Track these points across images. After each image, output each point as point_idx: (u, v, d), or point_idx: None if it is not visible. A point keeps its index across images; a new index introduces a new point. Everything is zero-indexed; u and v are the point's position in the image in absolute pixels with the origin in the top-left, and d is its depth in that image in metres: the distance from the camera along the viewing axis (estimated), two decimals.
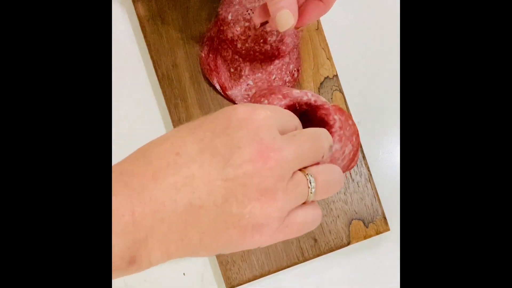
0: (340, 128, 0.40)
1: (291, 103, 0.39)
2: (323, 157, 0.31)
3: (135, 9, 0.49)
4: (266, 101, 0.40)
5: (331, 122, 0.39)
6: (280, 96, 0.39)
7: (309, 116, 0.41)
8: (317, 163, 0.31)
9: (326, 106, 0.40)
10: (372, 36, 0.52)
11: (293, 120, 0.32)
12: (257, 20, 0.41)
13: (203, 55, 0.49)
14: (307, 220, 0.30)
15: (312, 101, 0.40)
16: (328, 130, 0.39)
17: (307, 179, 0.30)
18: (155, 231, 0.27)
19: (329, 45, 0.50)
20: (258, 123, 0.28)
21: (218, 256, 0.49)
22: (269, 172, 0.27)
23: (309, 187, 0.30)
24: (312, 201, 0.31)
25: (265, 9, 0.40)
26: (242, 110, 0.29)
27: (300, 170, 0.30)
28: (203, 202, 0.27)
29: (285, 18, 0.37)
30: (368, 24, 0.53)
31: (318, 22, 0.50)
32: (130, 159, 0.29)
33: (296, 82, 0.50)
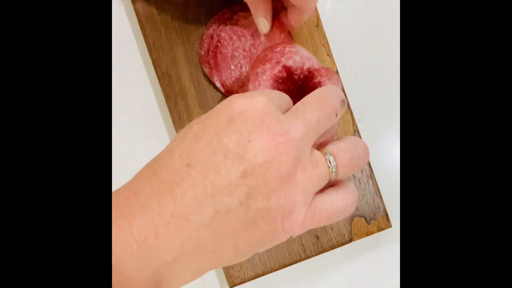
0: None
1: (285, 71, 0.40)
2: (336, 115, 0.30)
3: (134, 7, 0.49)
4: (259, 69, 0.41)
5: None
6: (269, 65, 0.40)
7: (307, 85, 0.41)
8: (336, 139, 0.30)
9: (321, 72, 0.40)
10: (372, 33, 0.52)
11: (284, 97, 0.31)
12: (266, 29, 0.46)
13: (202, 53, 0.49)
14: (336, 206, 0.29)
15: (314, 68, 0.40)
16: None
17: (326, 159, 0.29)
18: (184, 251, 0.25)
19: (329, 42, 0.50)
20: (261, 112, 0.27)
21: None
22: (284, 157, 0.26)
23: (329, 167, 0.29)
24: (341, 183, 0.30)
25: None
26: (240, 103, 0.28)
27: (318, 149, 0.29)
28: (229, 206, 0.26)
29: (261, 24, 0.44)
30: (368, 20, 0.52)
31: (318, 18, 0.50)
32: (142, 178, 0.27)
33: None
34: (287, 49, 0.41)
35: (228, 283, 0.49)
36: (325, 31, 0.50)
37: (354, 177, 0.49)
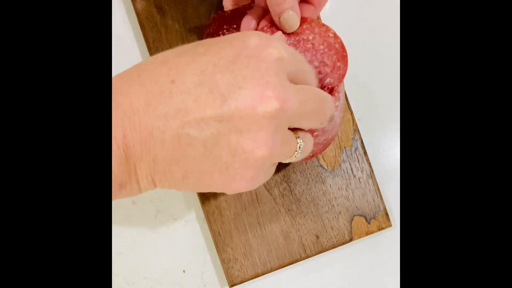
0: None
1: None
2: (321, 124, 0.30)
3: (134, 6, 0.49)
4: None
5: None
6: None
7: None
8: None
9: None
10: (372, 32, 0.52)
11: (308, 73, 0.29)
12: (228, 4, 0.39)
13: None
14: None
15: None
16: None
17: (298, 143, 0.29)
18: (142, 160, 0.25)
19: None
20: (267, 64, 0.25)
21: (220, 254, 0.49)
22: (267, 122, 0.25)
23: (296, 151, 0.29)
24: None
25: None
26: (254, 44, 0.25)
27: (292, 129, 0.29)
28: (192, 140, 0.25)
29: (292, 20, 0.35)
30: (368, 20, 0.52)
31: (319, 17, 0.50)
32: (124, 76, 0.26)
33: None
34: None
35: (228, 283, 0.49)
36: None
37: (354, 176, 0.49)
